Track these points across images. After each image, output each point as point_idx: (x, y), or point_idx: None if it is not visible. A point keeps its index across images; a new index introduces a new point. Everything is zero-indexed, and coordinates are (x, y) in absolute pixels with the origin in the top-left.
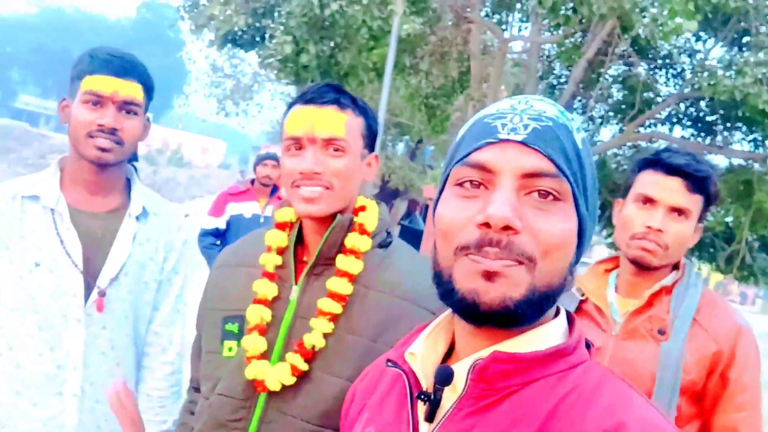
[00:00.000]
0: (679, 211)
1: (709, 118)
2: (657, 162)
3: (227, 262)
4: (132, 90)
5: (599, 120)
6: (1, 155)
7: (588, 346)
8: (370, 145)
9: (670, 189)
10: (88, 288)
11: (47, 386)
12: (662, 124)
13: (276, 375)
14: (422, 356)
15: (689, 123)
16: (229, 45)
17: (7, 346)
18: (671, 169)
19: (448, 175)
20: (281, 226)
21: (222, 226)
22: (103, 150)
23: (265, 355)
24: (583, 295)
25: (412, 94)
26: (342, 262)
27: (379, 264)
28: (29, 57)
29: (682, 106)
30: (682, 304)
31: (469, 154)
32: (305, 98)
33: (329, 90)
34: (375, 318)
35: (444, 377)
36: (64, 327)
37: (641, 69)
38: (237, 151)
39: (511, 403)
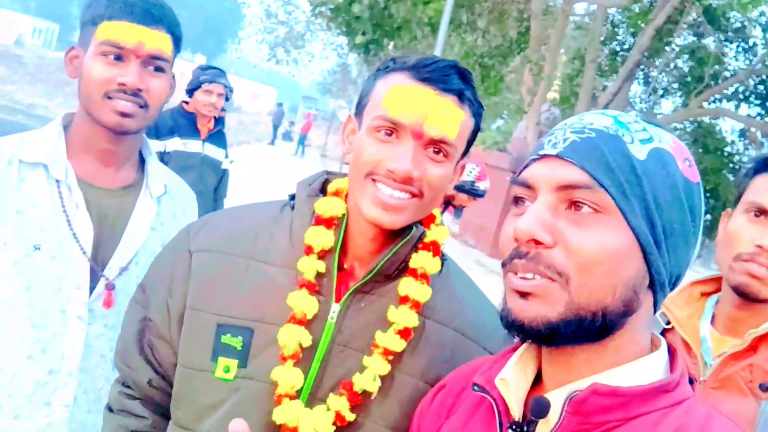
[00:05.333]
0: None
1: None
2: None
3: (220, 247)
4: (160, 41)
5: (661, 91)
6: (58, 88)
7: (691, 381)
8: (466, 151)
9: None
10: (93, 278)
11: (35, 395)
12: (728, 101)
13: (313, 422)
14: (514, 383)
15: (757, 101)
16: None
17: None
18: None
19: None
20: (327, 223)
21: None
22: (125, 115)
23: (297, 393)
24: (668, 322)
25: (466, 53)
26: (409, 287)
27: (434, 288)
28: None
29: (751, 82)
30: None
31: (521, 172)
32: (421, 74)
33: (453, 73)
34: (432, 356)
35: (540, 409)
36: (62, 324)
37: (710, 40)
38: (287, 99)
39: None
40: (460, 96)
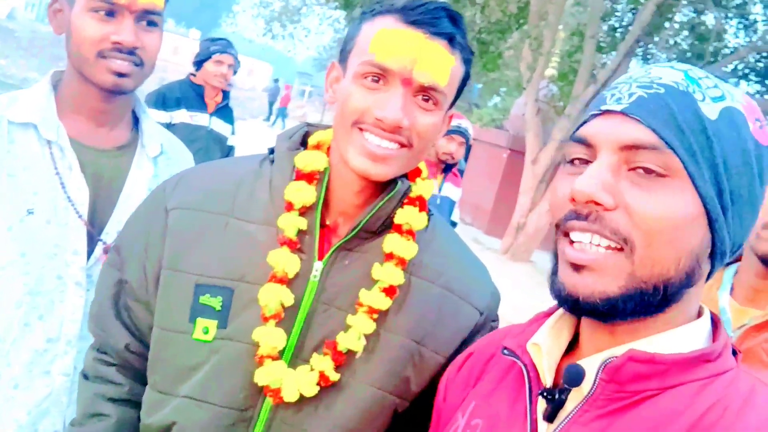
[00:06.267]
0: None
1: None
2: None
3: (198, 205)
4: None
5: None
6: (52, 62)
7: (734, 353)
8: (455, 100)
9: None
10: (90, 243)
11: (34, 364)
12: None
13: (296, 383)
14: (547, 349)
15: (757, 78)
16: None
17: None
18: None
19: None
20: (308, 178)
21: None
22: (121, 75)
23: (279, 353)
24: None
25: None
26: (395, 243)
27: (420, 244)
28: None
29: (751, 59)
30: None
31: (578, 128)
32: (410, 17)
33: (444, 16)
34: (419, 313)
35: (574, 377)
36: (60, 291)
37: (711, 17)
38: (282, 75)
39: (646, 409)
40: (451, 40)
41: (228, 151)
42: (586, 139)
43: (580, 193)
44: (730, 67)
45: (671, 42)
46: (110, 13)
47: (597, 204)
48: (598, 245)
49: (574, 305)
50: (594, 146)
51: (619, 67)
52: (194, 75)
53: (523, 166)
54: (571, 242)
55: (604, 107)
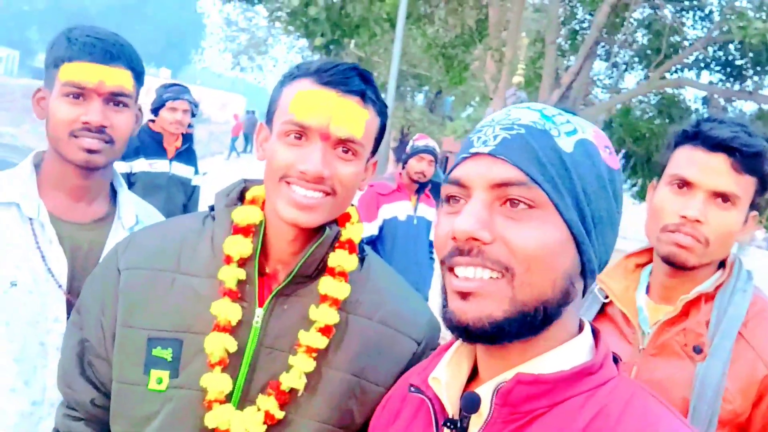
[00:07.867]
0: (724, 197)
1: (738, 63)
2: (696, 135)
3: (146, 264)
4: (120, 78)
5: (623, 66)
6: (24, 114)
7: (615, 360)
8: (375, 149)
9: (712, 169)
10: (70, 310)
11: (19, 427)
12: (689, 70)
13: (244, 424)
14: (446, 381)
15: (717, 68)
16: None
17: None
18: (714, 144)
19: None
20: (244, 231)
21: (375, 232)
22: (91, 151)
23: (227, 397)
24: (606, 296)
25: (429, 45)
26: (328, 285)
27: (356, 284)
28: (46, 16)
29: (710, 50)
30: (726, 315)
31: (451, 171)
32: (323, 78)
33: (354, 75)
34: (358, 349)
35: (470, 404)
36: (41, 357)
37: (667, 12)
38: (255, 106)
39: (539, 426)
40: (363, 96)
41: (192, 192)
42: (459, 180)
43: (461, 232)
44: (691, 58)
45: (630, 40)
46: (80, 96)
47: (476, 240)
48: (482, 277)
49: (464, 331)
50: (467, 186)
51: (581, 69)
52: (153, 122)
53: None
54: (457, 276)
55: (472, 150)
